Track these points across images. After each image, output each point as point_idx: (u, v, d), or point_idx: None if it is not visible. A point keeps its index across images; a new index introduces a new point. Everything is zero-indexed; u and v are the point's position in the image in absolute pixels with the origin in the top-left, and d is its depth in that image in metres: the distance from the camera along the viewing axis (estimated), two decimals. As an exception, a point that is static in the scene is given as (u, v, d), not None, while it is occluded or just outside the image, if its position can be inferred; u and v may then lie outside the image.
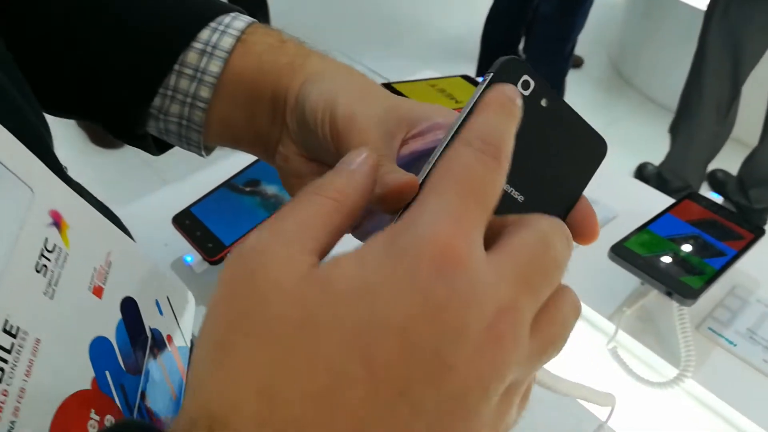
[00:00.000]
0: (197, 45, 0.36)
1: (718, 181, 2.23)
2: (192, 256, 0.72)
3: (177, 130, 0.39)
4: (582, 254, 0.76)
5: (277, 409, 0.18)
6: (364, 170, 0.24)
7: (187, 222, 0.72)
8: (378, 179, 0.24)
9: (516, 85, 0.26)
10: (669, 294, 0.63)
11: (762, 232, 0.71)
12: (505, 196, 0.26)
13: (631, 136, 2.56)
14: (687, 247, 0.69)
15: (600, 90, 2.85)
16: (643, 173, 2.27)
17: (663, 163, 2.14)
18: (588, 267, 0.75)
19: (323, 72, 0.35)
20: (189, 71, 0.36)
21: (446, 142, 0.24)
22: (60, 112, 0.43)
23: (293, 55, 0.36)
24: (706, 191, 2.24)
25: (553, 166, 0.28)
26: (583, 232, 0.28)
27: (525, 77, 0.27)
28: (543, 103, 0.28)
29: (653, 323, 0.70)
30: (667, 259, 0.67)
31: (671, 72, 2.47)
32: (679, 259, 0.67)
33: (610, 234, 0.71)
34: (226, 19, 0.37)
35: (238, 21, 0.37)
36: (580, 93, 2.75)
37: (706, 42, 1.86)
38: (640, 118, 2.67)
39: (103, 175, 2.24)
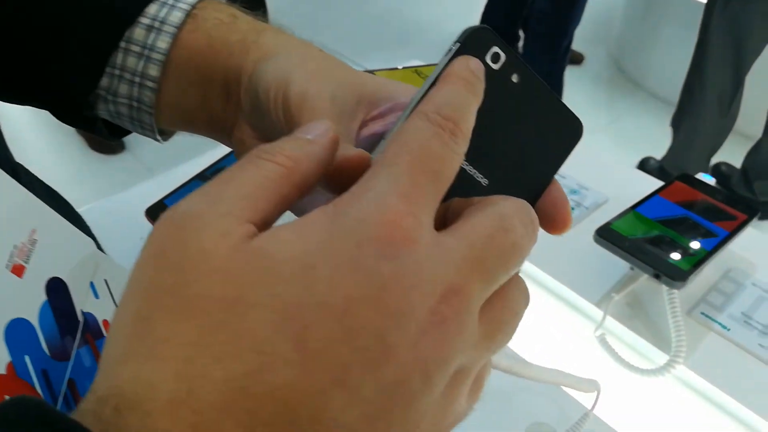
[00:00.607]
0: (144, 20, 0.34)
1: (722, 174, 2.20)
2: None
3: (128, 112, 0.37)
4: (570, 238, 0.74)
5: (196, 391, 0.17)
6: (323, 142, 0.22)
7: (160, 214, 0.71)
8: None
9: (484, 57, 0.24)
10: (657, 276, 0.61)
11: (755, 213, 0.69)
12: (468, 178, 0.25)
13: (633, 131, 2.53)
14: (676, 229, 0.66)
15: (601, 86, 2.83)
16: (645, 168, 2.24)
17: (665, 158, 2.11)
18: (576, 252, 0.72)
19: (278, 49, 0.33)
20: (136, 48, 0.35)
21: (405, 117, 0.22)
22: (8, 98, 0.41)
23: (245, 31, 0.34)
24: (711, 184, 2.21)
25: (522, 147, 0.26)
26: (553, 219, 0.26)
27: (495, 49, 0.25)
28: (514, 78, 0.25)
29: (643, 309, 0.67)
30: (655, 241, 0.64)
31: (673, 66, 2.44)
32: (668, 241, 0.64)
33: (600, 219, 0.68)
34: None
35: None
36: (581, 89, 2.73)
37: (707, 34, 1.83)
38: (642, 113, 2.64)
39: (102, 180, 2.24)
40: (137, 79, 0.35)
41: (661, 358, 0.63)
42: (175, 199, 0.70)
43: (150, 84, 0.35)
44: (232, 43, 0.34)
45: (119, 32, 0.34)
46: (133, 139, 2.44)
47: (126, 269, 0.36)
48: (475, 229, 0.20)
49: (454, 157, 0.21)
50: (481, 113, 0.23)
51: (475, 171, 0.25)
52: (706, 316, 0.65)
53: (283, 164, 0.20)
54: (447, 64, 0.23)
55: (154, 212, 0.71)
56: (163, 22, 0.34)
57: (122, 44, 0.34)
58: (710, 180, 0.76)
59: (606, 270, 0.69)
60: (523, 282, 0.23)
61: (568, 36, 2.12)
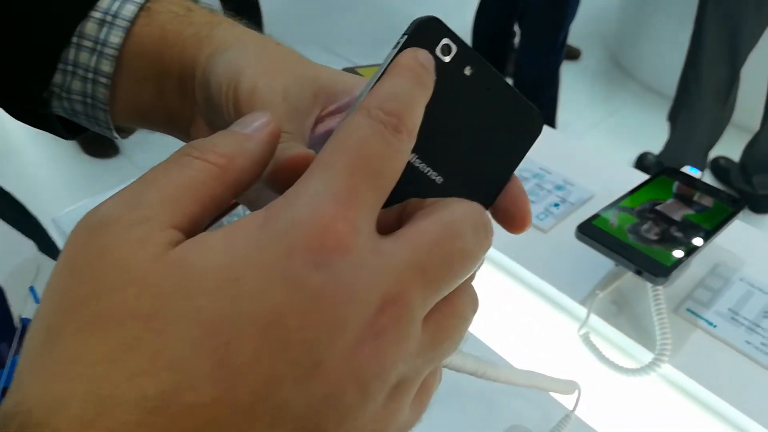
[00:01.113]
0: (96, 14, 0.33)
1: (720, 168, 2.18)
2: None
3: (83, 109, 0.36)
4: (553, 235, 0.73)
5: (106, 412, 0.15)
6: (261, 136, 0.20)
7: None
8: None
9: (434, 49, 0.23)
10: (639, 273, 0.59)
11: (741, 206, 0.67)
12: (421, 176, 0.23)
13: (630, 126, 2.51)
14: (660, 224, 0.64)
15: (598, 81, 2.81)
16: (643, 163, 2.22)
17: (663, 152, 2.09)
18: (560, 248, 0.71)
19: (231, 42, 0.32)
20: (88, 43, 0.34)
21: (350, 113, 0.21)
22: None
23: (199, 24, 0.33)
24: (709, 179, 2.18)
25: (478, 142, 0.25)
26: (512, 218, 0.25)
27: (445, 41, 0.23)
28: (467, 71, 0.24)
29: (628, 306, 0.66)
30: (637, 237, 0.62)
31: (669, 60, 2.42)
32: (651, 237, 0.62)
33: (585, 215, 0.67)
34: None
35: None
36: (578, 85, 2.71)
37: (701, 27, 1.81)
38: (640, 107, 2.62)
39: (96, 185, 2.23)
40: (90, 75, 0.34)
41: (646, 356, 0.61)
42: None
43: (103, 80, 0.34)
44: (186, 37, 0.33)
45: (71, 27, 0.33)
46: (128, 143, 2.43)
47: None
48: (420, 235, 0.19)
49: (397, 156, 0.19)
50: (433, 108, 0.22)
51: (429, 169, 0.23)
52: (693, 312, 0.64)
53: (215, 162, 0.19)
54: (394, 57, 0.22)
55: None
56: (115, 16, 0.33)
57: (74, 39, 0.34)
58: (696, 173, 0.74)
59: (590, 267, 0.68)
60: (472, 288, 0.22)
61: (564, 30, 2.09)
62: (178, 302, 0.16)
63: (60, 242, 0.85)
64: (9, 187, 0.73)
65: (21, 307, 0.31)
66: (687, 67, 1.92)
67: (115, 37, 0.33)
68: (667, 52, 2.53)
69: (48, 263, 0.34)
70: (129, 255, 0.17)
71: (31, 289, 0.33)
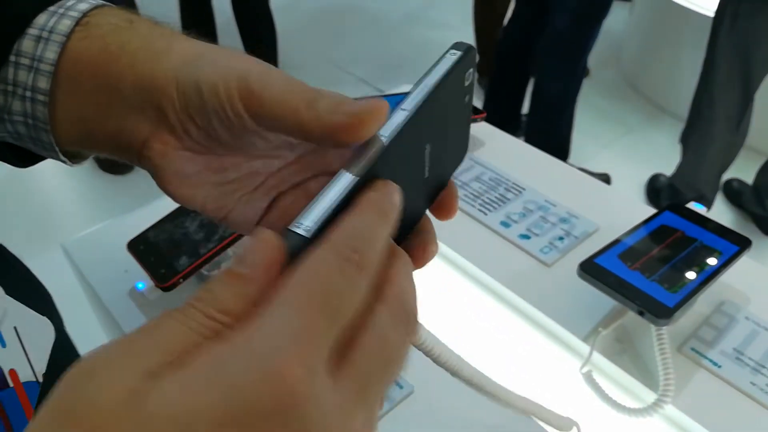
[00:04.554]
0: (33, 31, 0.33)
1: (733, 191, 2.16)
2: (144, 283, 0.69)
3: (26, 131, 0.35)
4: (557, 270, 0.73)
5: None
6: (258, 278, 0.20)
7: (141, 247, 0.70)
8: (335, 108, 0.25)
9: (466, 72, 0.27)
10: (641, 314, 0.59)
11: (748, 244, 0.66)
12: (421, 165, 0.27)
13: (642, 147, 2.50)
14: (663, 262, 0.64)
15: (610, 101, 2.79)
16: (655, 185, 2.21)
17: (675, 175, 2.08)
18: (563, 284, 0.70)
19: (201, 50, 0.32)
20: (26, 61, 0.33)
21: (335, 196, 0.22)
22: None
23: (146, 36, 0.33)
24: (722, 202, 2.16)
25: (448, 144, 0.30)
26: (442, 207, 0.30)
27: (472, 69, 0.28)
28: (466, 99, 0.29)
29: (631, 344, 0.65)
30: (640, 276, 0.62)
31: (682, 81, 2.41)
32: (654, 275, 0.62)
33: (590, 249, 0.67)
34: (69, 2, 0.33)
35: (83, 3, 0.33)
36: (590, 104, 2.70)
37: (714, 51, 1.80)
38: (652, 128, 2.60)
39: (113, 201, 2.25)
40: (28, 94, 0.33)
41: (649, 396, 0.61)
42: (158, 232, 0.70)
43: (41, 97, 0.33)
44: (133, 49, 0.32)
45: (8, 46, 0.33)
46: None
47: (39, 316, 0.35)
48: (362, 364, 0.20)
49: (357, 291, 0.20)
50: (434, 118, 0.26)
51: (428, 166, 0.28)
52: (697, 352, 0.63)
53: (221, 321, 0.20)
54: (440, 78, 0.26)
55: (135, 245, 0.70)
56: (51, 32, 0.33)
57: (12, 58, 0.33)
58: (701, 209, 0.74)
59: (593, 303, 0.67)
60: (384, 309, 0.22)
61: (586, 54, 2.08)
62: None
63: (70, 267, 0.86)
64: (24, 206, 0.74)
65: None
66: (699, 91, 1.91)
67: (51, 53, 0.32)
68: (679, 72, 2.53)
69: (17, 307, 0.34)
70: (100, 401, 0.17)
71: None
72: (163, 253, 0.69)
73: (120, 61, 0.32)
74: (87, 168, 2.40)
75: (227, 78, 0.29)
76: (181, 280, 0.65)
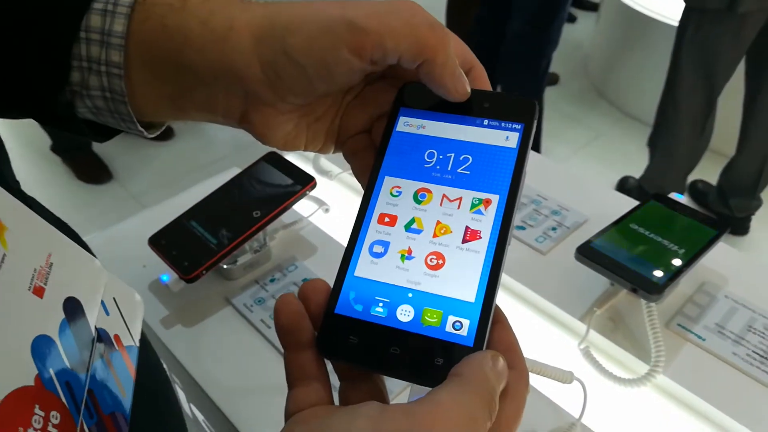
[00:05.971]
0: (98, 5, 0.33)
1: (699, 191, 2.26)
2: (168, 275, 0.71)
3: (105, 105, 0.35)
4: (553, 257, 0.77)
5: None
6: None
7: (163, 242, 0.73)
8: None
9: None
10: (634, 291, 0.64)
11: (725, 228, 0.72)
12: None
13: (611, 151, 2.59)
14: (652, 245, 0.69)
15: (579, 107, 2.89)
16: (625, 186, 2.29)
17: (643, 177, 2.17)
18: (559, 270, 0.75)
19: (272, 23, 0.32)
20: (96, 36, 0.33)
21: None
22: None
23: (204, 18, 0.33)
24: (688, 202, 2.26)
25: None
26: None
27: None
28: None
29: (624, 322, 0.70)
30: (632, 258, 0.67)
31: (648, 87, 2.51)
32: (644, 257, 0.67)
33: (581, 237, 0.72)
34: None
35: None
36: (559, 110, 2.79)
37: (679, 59, 1.88)
38: (620, 132, 2.70)
39: (91, 210, 2.24)
40: (103, 68, 0.34)
41: (642, 368, 0.66)
42: (179, 226, 0.73)
43: (115, 71, 0.33)
44: (196, 36, 0.33)
45: (76, 22, 0.33)
46: (120, 169, 2.45)
47: (129, 288, 0.38)
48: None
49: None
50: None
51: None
52: (683, 327, 0.68)
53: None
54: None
55: (156, 240, 0.73)
56: (116, 3, 0.33)
57: (82, 34, 0.33)
58: (682, 199, 0.80)
59: (587, 286, 0.73)
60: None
61: (546, 57, 2.14)
62: None
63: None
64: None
65: (95, 319, 0.35)
66: (665, 96, 1.99)
67: (119, 26, 0.33)
68: (645, 79, 2.63)
69: (113, 280, 0.37)
70: None
71: (102, 302, 0.36)
72: (185, 246, 0.71)
73: (186, 51, 0.32)
74: (65, 178, 2.39)
75: (330, 28, 0.31)
76: (204, 272, 0.68)
